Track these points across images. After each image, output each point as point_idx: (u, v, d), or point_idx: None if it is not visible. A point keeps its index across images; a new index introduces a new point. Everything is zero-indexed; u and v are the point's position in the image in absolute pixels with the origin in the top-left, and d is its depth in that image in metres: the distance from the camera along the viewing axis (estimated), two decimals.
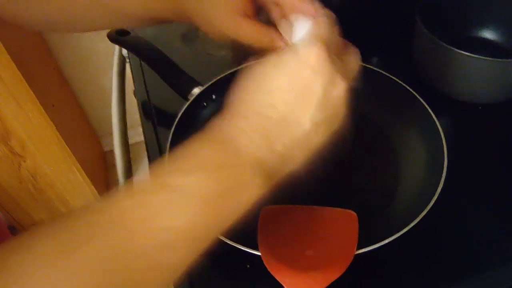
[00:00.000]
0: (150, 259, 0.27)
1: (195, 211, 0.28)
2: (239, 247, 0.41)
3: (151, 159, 0.57)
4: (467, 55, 0.54)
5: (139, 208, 0.27)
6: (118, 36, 0.62)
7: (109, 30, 0.62)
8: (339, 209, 0.44)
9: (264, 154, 0.31)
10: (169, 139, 0.50)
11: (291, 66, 0.32)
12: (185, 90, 0.57)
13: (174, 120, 0.53)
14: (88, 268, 0.25)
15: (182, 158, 0.30)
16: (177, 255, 0.29)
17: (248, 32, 0.39)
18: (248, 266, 0.44)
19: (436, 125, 0.50)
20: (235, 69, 0.56)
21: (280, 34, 0.38)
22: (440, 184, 0.44)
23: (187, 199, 0.28)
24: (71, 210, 0.29)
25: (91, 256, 0.25)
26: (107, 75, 1.07)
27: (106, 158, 1.61)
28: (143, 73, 0.69)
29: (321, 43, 0.32)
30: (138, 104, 0.66)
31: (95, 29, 0.49)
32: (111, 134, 0.70)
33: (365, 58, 0.60)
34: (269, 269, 0.39)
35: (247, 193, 0.30)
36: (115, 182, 0.32)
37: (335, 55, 0.33)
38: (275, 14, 0.40)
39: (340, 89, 0.33)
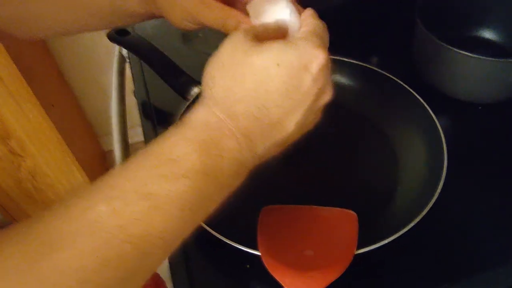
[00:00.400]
0: (127, 266, 0.26)
1: (174, 217, 0.28)
2: (239, 247, 0.41)
3: None
4: (467, 55, 0.54)
5: (116, 215, 0.26)
6: (118, 36, 0.62)
7: (109, 30, 0.62)
8: (339, 209, 0.44)
9: (246, 156, 0.32)
10: None
11: (294, 70, 0.32)
12: (185, 90, 0.57)
13: (174, 120, 0.53)
14: (59, 277, 0.24)
15: (168, 162, 0.29)
16: (154, 259, 0.29)
17: (214, 13, 0.38)
18: (248, 266, 0.44)
19: (436, 125, 0.50)
20: None
21: (247, 17, 0.38)
22: (440, 184, 0.44)
23: (167, 206, 0.28)
24: (44, 210, 0.27)
25: (62, 265, 0.24)
26: (107, 75, 1.07)
27: (106, 158, 1.60)
28: (143, 73, 0.69)
29: (323, 47, 0.32)
30: (138, 104, 0.66)
31: (73, 31, 0.49)
32: (111, 134, 0.69)
33: (365, 58, 0.60)
34: (269, 269, 0.39)
35: (224, 194, 0.32)
36: None
37: None
38: None
39: (327, 98, 0.35)
